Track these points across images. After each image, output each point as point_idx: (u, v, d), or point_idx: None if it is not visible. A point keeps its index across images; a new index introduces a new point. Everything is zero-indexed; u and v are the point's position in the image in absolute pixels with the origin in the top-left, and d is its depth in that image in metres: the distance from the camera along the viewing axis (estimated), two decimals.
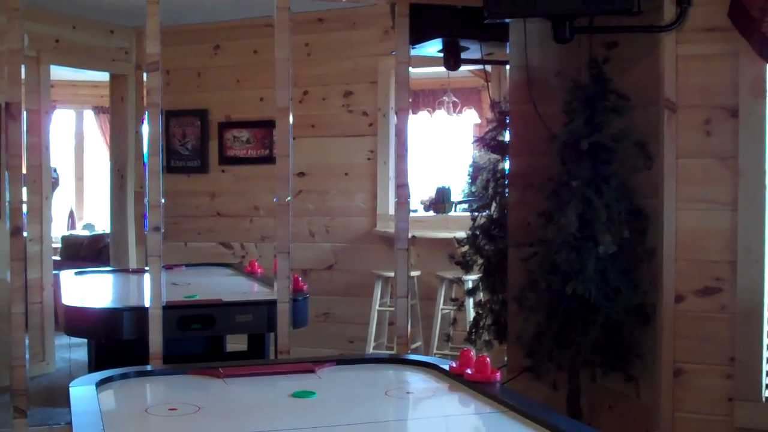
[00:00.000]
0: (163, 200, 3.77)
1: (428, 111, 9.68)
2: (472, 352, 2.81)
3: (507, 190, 4.30)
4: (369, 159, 6.90)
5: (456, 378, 2.76)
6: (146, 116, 3.78)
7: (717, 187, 3.58)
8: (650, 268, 3.75)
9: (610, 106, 3.76)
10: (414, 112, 9.25)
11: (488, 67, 5.14)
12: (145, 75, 3.79)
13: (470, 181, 7.95)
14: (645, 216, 3.79)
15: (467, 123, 9.87)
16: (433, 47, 4.56)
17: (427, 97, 9.76)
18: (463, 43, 4.52)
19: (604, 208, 3.64)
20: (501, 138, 4.42)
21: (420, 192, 8.91)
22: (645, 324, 3.77)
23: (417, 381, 2.88)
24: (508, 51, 4.23)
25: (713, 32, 3.56)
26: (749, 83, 3.50)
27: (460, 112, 9.34)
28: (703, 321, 3.62)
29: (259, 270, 5.11)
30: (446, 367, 2.87)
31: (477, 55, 4.61)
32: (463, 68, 5.07)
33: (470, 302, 5.56)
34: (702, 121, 3.59)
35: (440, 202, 7.37)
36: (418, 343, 6.43)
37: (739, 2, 3.43)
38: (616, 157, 3.76)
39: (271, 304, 3.93)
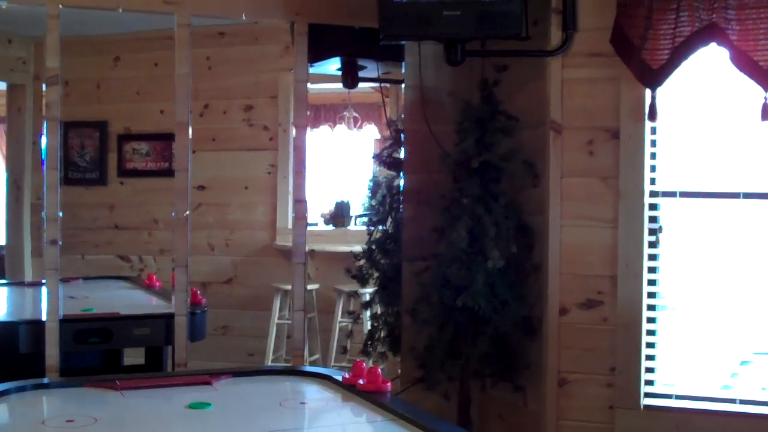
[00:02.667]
0: (60, 213, 3.78)
1: (329, 125, 9.77)
2: (365, 364, 2.91)
3: (402, 206, 4.42)
4: (269, 173, 6.96)
5: (349, 388, 2.85)
6: (45, 129, 3.79)
7: (599, 205, 3.75)
8: (537, 281, 3.92)
9: (500, 127, 3.92)
10: (315, 127, 9.32)
11: (387, 84, 5.27)
12: (44, 87, 3.80)
13: (370, 195, 8.06)
14: (532, 232, 3.95)
15: (368, 138, 9.99)
16: (332, 65, 4.67)
17: (328, 112, 9.84)
18: (361, 61, 4.64)
19: (493, 225, 3.78)
20: (397, 155, 4.54)
21: (320, 205, 8.98)
22: (532, 336, 3.93)
23: (311, 392, 2.97)
24: (403, 71, 4.36)
25: (596, 57, 3.74)
26: (629, 106, 3.69)
27: (360, 127, 9.45)
28: (585, 332, 3.78)
29: (157, 283, 5.12)
30: (339, 378, 2.96)
31: (375, 74, 4.73)
32: (364, 84, 5.20)
33: (367, 315, 5.66)
34: (585, 142, 3.77)
35: (339, 216, 7.47)
36: (317, 356, 6.51)
37: (621, 30, 3.61)
38: (504, 175, 3.91)
39: (168, 318, 3.97)
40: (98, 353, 4.63)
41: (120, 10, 3.85)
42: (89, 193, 7.39)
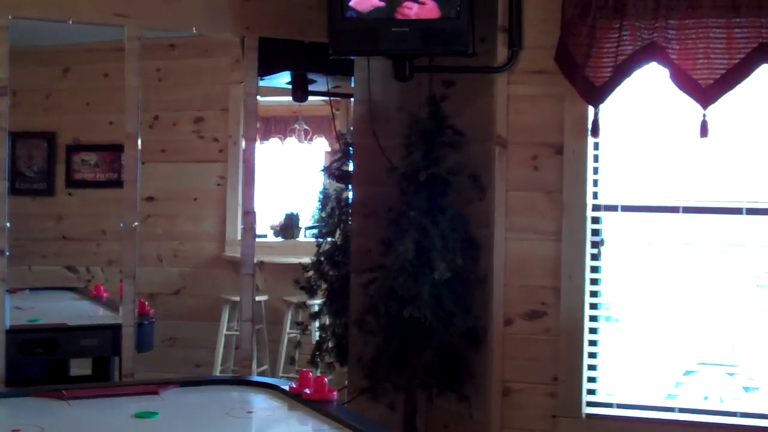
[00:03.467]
0: (7, 224, 3.78)
1: (280, 138, 9.80)
2: (311, 373, 2.95)
3: (350, 218, 4.47)
4: (219, 185, 6.96)
5: (295, 398, 2.89)
6: None
7: (543, 219, 3.83)
8: (482, 293, 3.98)
9: (447, 141, 3.98)
10: (266, 139, 9.34)
11: (337, 98, 5.32)
12: None
13: (320, 207, 8.10)
14: (478, 244, 4.02)
15: (319, 150, 10.02)
16: (282, 78, 4.72)
17: (279, 124, 9.86)
18: (311, 75, 4.70)
19: (440, 237, 3.84)
20: (346, 168, 4.59)
21: (270, 217, 8.99)
22: (477, 346, 3.99)
23: (258, 401, 3.00)
24: (353, 85, 4.41)
25: (541, 75, 3.82)
26: (573, 123, 3.78)
27: (311, 139, 9.49)
28: (529, 343, 3.86)
29: (104, 294, 5.12)
30: (286, 388, 2.99)
31: (325, 88, 4.78)
32: (315, 98, 5.25)
33: (315, 326, 5.69)
34: (530, 157, 3.85)
35: (289, 227, 7.50)
36: (265, 367, 6.52)
37: (565, 48, 3.71)
38: (451, 188, 3.97)
39: (116, 328, 3.98)
40: (45, 364, 4.62)
41: (70, 22, 3.87)
42: (37, 203, 7.33)
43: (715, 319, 3.88)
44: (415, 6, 3.66)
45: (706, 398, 3.92)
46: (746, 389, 3.96)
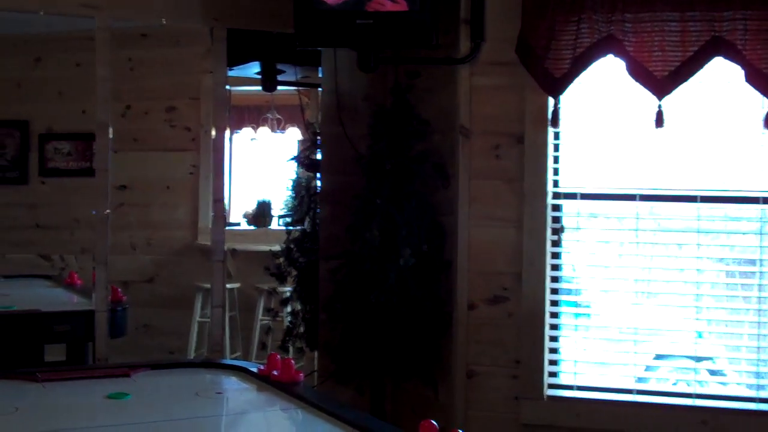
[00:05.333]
0: None
1: (252, 127, 9.86)
2: (279, 356, 3.04)
3: (319, 206, 4.56)
4: (191, 173, 7.04)
5: (263, 379, 2.98)
6: None
7: (505, 206, 3.94)
8: (447, 279, 4.09)
9: (412, 131, 4.07)
10: (239, 128, 9.40)
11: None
12: None
13: (293, 195, 8.18)
14: (443, 231, 4.12)
15: (291, 139, 10.09)
16: (252, 69, 4.80)
17: (251, 114, 9.91)
18: (280, 66, 4.78)
19: (405, 224, 3.94)
20: (314, 157, 4.68)
21: (243, 205, 9.06)
22: (442, 330, 4.10)
23: (227, 383, 3.09)
24: (320, 76, 4.50)
25: (503, 66, 3.92)
26: (533, 113, 3.89)
27: (284, 129, 9.55)
28: (492, 327, 3.97)
29: (78, 282, 5.18)
30: (255, 370, 3.08)
31: (294, 78, 4.87)
32: (287, 87, 5.33)
33: (286, 312, 5.79)
34: (492, 146, 3.95)
35: (261, 215, 7.58)
36: (238, 353, 6.61)
37: (525, 41, 3.81)
38: (416, 177, 4.06)
39: (89, 314, 4.05)
40: (19, 349, 4.68)
41: (41, 13, 3.93)
42: (10, 192, 7.38)
43: (677, 305, 4.00)
44: None
45: (675, 383, 4.05)
46: (711, 372, 4.09)
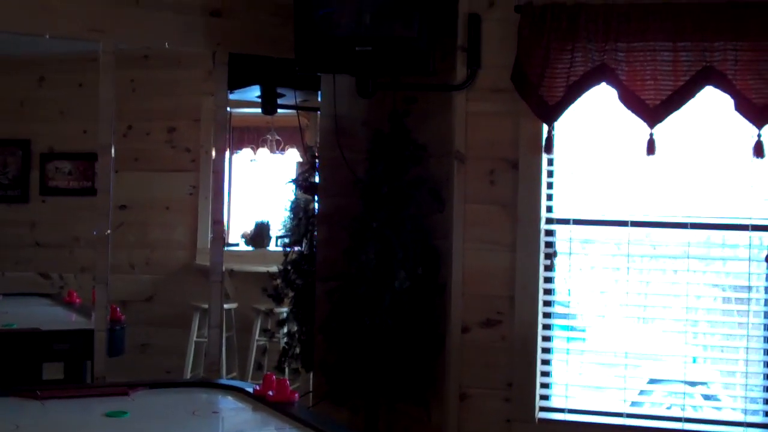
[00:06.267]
0: None
1: (252, 148, 9.92)
2: (274, 376, 3.09)
3: (316, 228, 4.62)
4: (191, 194, 7.09)
5: (259, 399, 3.04)
6: None
7: (499, 230, 4.00)
8: (442, 301, 4.14)
9: (409, 155, 4.13)
10: (238, 149, 9.47)
11: None
12: None
13: (291, 216, 8.23)
14: (438, 254, 4.18)
15: (290, 160, 10.15)
16: (252, 92, 4.87)
17: (251, 134, 9.97)
18: (280, 89, 4.85)
19: (401, 247, 4.00)
20: (313, 180, 4.74)
21: (242, 226, 9.10)
22: (436, 353, 4.15)
23: (223, 402, 3.14)
24: (320, 99, 4.57)
25: (499, 93, 4.00)
26: (528, 139, 3.96)
27: (283, 150, 9.62)
28: (485, 350, 4.02)
29: (77, 300, 5.23)
30: (251, 390, 3.14)
31: (293, 101, 4.95)
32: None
33: (282, 333, 5.83)
34: (487, 172, 4.02)
35: (259, 236, 7.62)
36: (234, 374, 6.64)
37: (521, 68, 3.88)
38: (412, 201, 4.12)
39: (88, 333, 4.10)
40: (18, 367, 4.72)
41: (47, 36, 4.00)
42: (11, 210, 7.42)
43: (670, 329, 4.06)
44: (378, 26, 3.83)
45: (669, 407, 4.09)
46: (705, 397, 4.14)
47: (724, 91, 3.67)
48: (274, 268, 5.17)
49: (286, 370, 4.75)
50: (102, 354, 4.05)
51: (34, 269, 7.29)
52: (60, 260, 7.27)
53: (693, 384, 4.07)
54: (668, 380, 4.22)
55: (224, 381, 3.47)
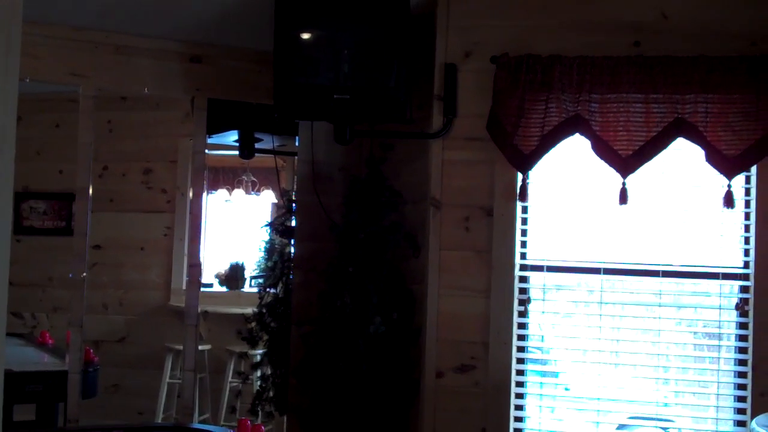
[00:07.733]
0: None
1: (227, 189, 9.95)
2: (249, 422, 3.11)
3: (292, 272, 4.65)
4: (165, 235, 7.10)
5: None
6: None
7: (473, 277, 4.04)
8: (416, 346, 4.17)
9: (385, 201, 4.19)
10: (214, 189, 9.49)
11: None
12: None
13: (266, 256, 8.25)
14: (413, 299, 4.22)
15: (266, 201, 10.18)
16: (230, 136, 4.92)
17: (227, 175, 10.00)
18: (258, 134, 4.90)
19: (376, 292, 4.04)
20: (289, 224, 4.78)
21: (216, 266, 9.10)
22: (410, 398, 4.18)
23: None
24: (297, 145, 4.62)
25: (474, 141, 4.05)
26: (502, 187, 4.01)
27: (259, 191, 9.65)
28: (459, 395, 4.04)
29: (50, 341, 5.22)
30: None
31: (271, 146, 4.99)
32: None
33: (256, 375, 5.83)
34: (462, 218, 4.06)
35: (234, 278, 7.63)
36: (206, 415, 6.62)
37: (496, 117, 3.94)
38: (388, 246, 4.17)
39: (61, 375, 4.10)
40: None
41: (27, 80, 4.03)
42: None
43: (642, 375, 4.10)
44: (357, 75, 3.89)
45: None
46: None
47: (695, 142, 3.75)
48: (248, 310, 5.20)
49: (260, 413, 4.75)
50: (75, 396, 4.04)
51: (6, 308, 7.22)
52: (33, 300, 7.24)
53: (665, 430, 4.10)
54: (639, 425, 4.26)
55: (199, 426, 3.47)
